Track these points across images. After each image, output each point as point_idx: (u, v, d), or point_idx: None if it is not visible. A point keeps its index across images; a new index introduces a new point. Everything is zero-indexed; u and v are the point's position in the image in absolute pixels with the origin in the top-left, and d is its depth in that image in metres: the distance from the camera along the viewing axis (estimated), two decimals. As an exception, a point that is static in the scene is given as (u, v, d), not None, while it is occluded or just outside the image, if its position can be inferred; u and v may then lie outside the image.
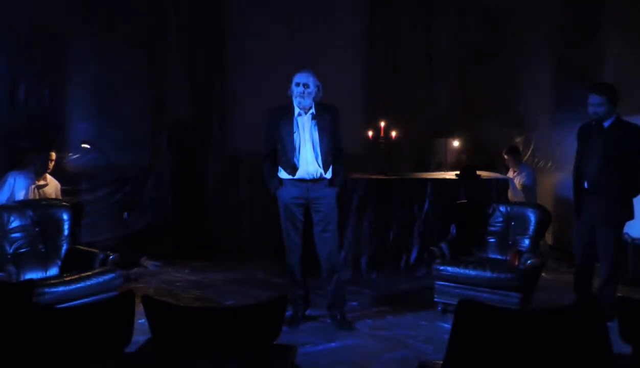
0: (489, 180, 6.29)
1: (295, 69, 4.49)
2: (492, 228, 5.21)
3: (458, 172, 6.43)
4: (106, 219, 6.84)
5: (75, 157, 6.73)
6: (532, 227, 5.03)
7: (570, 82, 6.87)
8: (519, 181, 6.83)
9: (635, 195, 4.58)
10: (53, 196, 5.92)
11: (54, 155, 5.95)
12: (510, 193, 6.31)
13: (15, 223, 4.81)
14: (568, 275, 5.97)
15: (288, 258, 4.64)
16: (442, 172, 7.05)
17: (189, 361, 2.56)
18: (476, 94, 7.81)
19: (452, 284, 4.78)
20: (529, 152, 7.59)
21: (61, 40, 6.65)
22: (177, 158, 7.48)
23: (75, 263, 4.78)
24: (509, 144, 7.27)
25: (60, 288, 4.32)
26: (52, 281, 4.43)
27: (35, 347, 2.45)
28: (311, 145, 4.45)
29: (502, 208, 5.24)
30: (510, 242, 5.09)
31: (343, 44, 7.58)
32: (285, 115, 4.49)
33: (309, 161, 4.45)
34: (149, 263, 6.53)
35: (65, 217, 5.01)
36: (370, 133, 6.79)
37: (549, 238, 6.90)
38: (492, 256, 5.11)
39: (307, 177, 4.47)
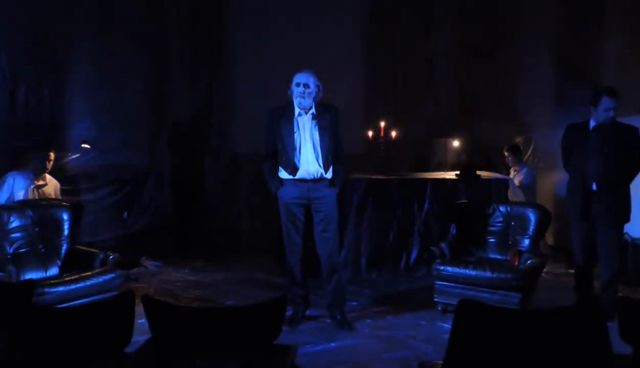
0: (489, 180, 6.29)
1: (296, 69, 4.49)
2: (492, 228, 5.22)
3: (458, 172, 6.43)
4: (106, 219, 6.85)
5: (75, 157, 6.73)
6: (532, 227, 5.03)
7: (570, 82, 6.88)
8: (518, 180, 6.83)
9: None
10: (52, 196, 5.92)
11: (52, 155, 5.94)
12: (510, 193, 6.32)
13: (15, 223, 4.81)
14: (568, 275, 5.98)
15: (288, 258, 4.64)
16: (442, 172, 7.05)
17: (189, 361, 2.56)
18: (476, 94, 7.82)
19: (452, 284, 4.78)
20: (529, 152, 7.59)
21: (61, 40, 6.65)
22: (177, 158, 7.48)
23: (75, 263, 4.78)
24: (509, 144, 7.27)
25: (60, 288, 4.32)
26: (52, 281, 4.43)
27: (35, 347, 2.45)
28: (312, 145, 4.45)
29: (502, 208, 5.24)
30: (510, 242, 5.09)
31: (343, 44, 7.58)
32: (285, 115, 4.49)
33: (310, 161, 4.45)
34: (149, 263, 6.53)
35: (65, 217, 5.01)
36: (370, 133, 6.79)
37: (549, 238, 6.90)
38: (492, 256, 5.11)
39: (307, 177, 4.47)
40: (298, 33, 7.29)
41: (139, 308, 2.54)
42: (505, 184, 6.29)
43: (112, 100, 6.90)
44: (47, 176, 5.95)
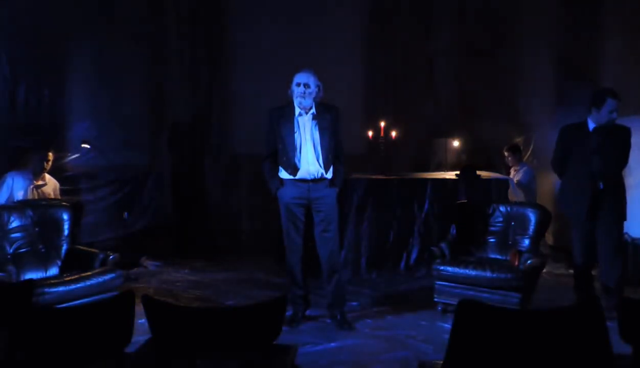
0: (489, 180, 6.29)
1: (296, 69, 4.49)
2: (492, 228, 5.22)
3: (458, 172, 6.43)
4: (106, 219, 6.85)
5: (75, 157, 6.73)
6: (532, 227, 5.03)
7: (570, 82, 6.88)
8: (518, 179, 6.83)
9: None
10: (52, 196, 5.92)
11: (51, 155, 5.94)
12: (510, 193, 6.32)
13: (15, 223, 4.81)
14: (568, 275, 5.98)
15: (288, 258, 4.64)
16: (442, 172, 7.05)
17: (189, 361, 2.56)
18: (476, 93, 7.81)
19: (452, 284, 4.78)
20: (529, 152, 7.59)
21: (61, 40, 6.65)
22: (177, 158, 7.48)
23: (75, 263, 4.78)
24: (509, 144, 7.27)
25: (60, 288, 4.32)
26: (52, 281, 4.43)
27: (35, 347, 2.45)
28: (312, 145, 4.45)
29: (502, 208, 5.24)
30: (510, 242, 5.09)
31: (343, 44, 7.57)
32: (285, 115, 4.49)
33: (310, 161, 4.45)
34: (149, 263, 6.53)
35: (65, 217, 5.01)
36: (370, 133, 6.78)
37: (549, 238, 6.90)
38: (492, 256, 5.11)
39: (308, 177, 4.46)
40: (298, 33, 7.29)
41: (139, 308, 2.54)
42: (505, 183, 6.29)
43: (112, 100, 6.90)
44: (47, 176, 5.96)
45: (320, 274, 4.67)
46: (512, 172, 7.03)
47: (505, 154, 7.09)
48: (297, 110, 4.47)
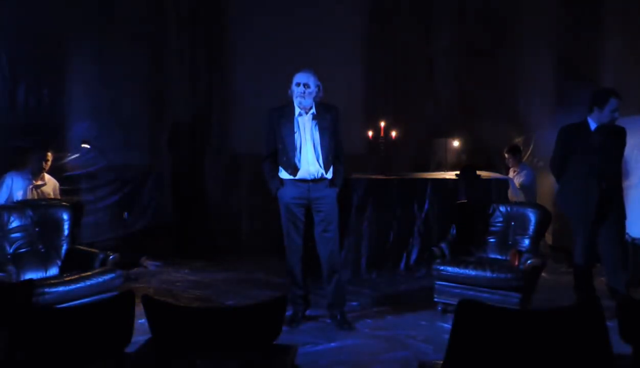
0: (489, 180, 6.29)
1: (296, 69, 4.48)
2: (492, 228, 5.21)
3: (458, 172, 6.43)
4: (106, 219, 6.85)
5: (75, 157, 6.73)
6: (532, 227, 5.03)
7: (570, 82, 6.88)
8: (518, 181, 6.83)
9: None
10: (52, 196, 5.92)
11: (50, 155, 5.94)
12: (510, 193, 6.32)
13: (15, 223, 4.81)
14: (568, 275, 5.97)
15: (288, 258, 4.64)
16: (442, 172, 7.05)
17: (189, 361, 2.56)
18: (476, 93, 7.81)
19: (452, 284, 4.78)
20: (529, 152, 7.59)
21: (61, 40, 6.65)
22: (177, 158, 7.48)
23: (75, 263, 4.78)
24: (509, 144, 7.27)
25: (60, 288, 4.32)
26: (52, 281, 4.42)
27: (35, 347, 2.45)
28: (312, 145, 4.45)
29: (502, 208, 5.24)
30: (510, 242, 5.09)
31: (343, 44, 7.57)
32: (285, 115, 4.49)
33: (310, 161, 4.44)
34: (149, 263, 6.53)
35: (65, 216, 5.01)
36: (370, 133, 6.79)
37: (549, 238, 6.90)
38: (492, 256, 5.11)
39: (308, 177, 4.46)
40: (298, 33, 7.29)
41: (139, 308, 2.54)
42: (505, 184, 6.29)
43: (112, 100, 6.90)
44: (46, 176, 5.95)
45: (320, 274, 4.67)
46: (512, 172, 7.03)
47: (506, 155, 7.08)
48: (297, 110, 4.47)
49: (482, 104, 7.74)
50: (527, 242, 5.00)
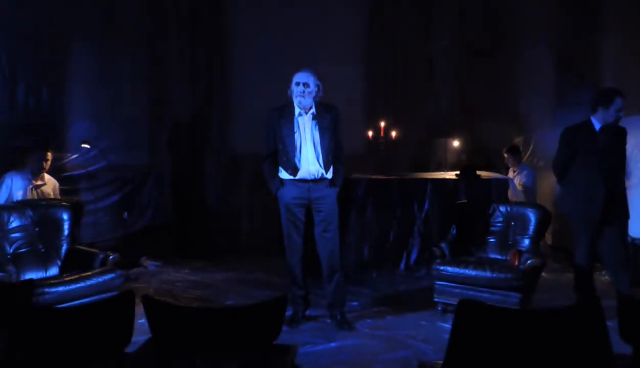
0: (489, 180, 6.29)
1: (295, 69, 4.48)
2: (492, 228, 5.22)
3: (458, 172, 6.43)
4: (106, 219, 6.85)
5: (75, 157, 6.73)
6: (532, 227, 5.03)
7: (570, 82, 6.88)
8: (519, 181, 6.83)
9: None
10: (52, 196, 5.92)
11: (50, 155, 5.94)
12: (510, 193, 6.32)
13: (15, 223, 4.81)
14: (568, 275, 5.97)
15: (289, 258, 4.64)
16: (442, 172, 7.05)
17: (189, 361, 2.56)
18: (476, 93, 7.81)
19: (452, 284, 4.78)
20: (529, 152, 7.59)
21: (61, 40, 6.65)
22: (177, 158, 7.48)
23: (75, 263, 4.78)
24: (509, 144, 7.27)
25: (60, 288, 4.32)
26: (52, 281, 4.43)
27: (35, 347, 2.45)
28: (312, 145, 4.45)
29: (502, 208, 5.24)
30: (510, 242, 5.09)
31: (343, 44, 7.57)
32: (285, 115, 4.48)
33: (310, 161, 4.44)
34: (149, 263, 6.53)
35: (65, 216, 5.01)
36: (370, 133, 6.79)
37: (549, 238, 6.90)
38: (492, 256, 5.11)
39: (308, 177, 4.46)
40: (298, 33, 7.28)
41: (139, 308, 2.54)
42: (505, 184, 6.29)
43: (112, 100, 6.90)
44: (46, 176, 5.95)
45: (320, 274, 4.67)
46: (512, 172, 7.03)
47: (505, 155, 7.08)
48: (297, 110, 4.46)
49: (482, 104, 7.74)
50: (527, 242, 5.00)
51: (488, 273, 4.64)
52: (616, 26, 6.48)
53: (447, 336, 2.35)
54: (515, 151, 7.06)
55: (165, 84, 7.36)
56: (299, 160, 4.44)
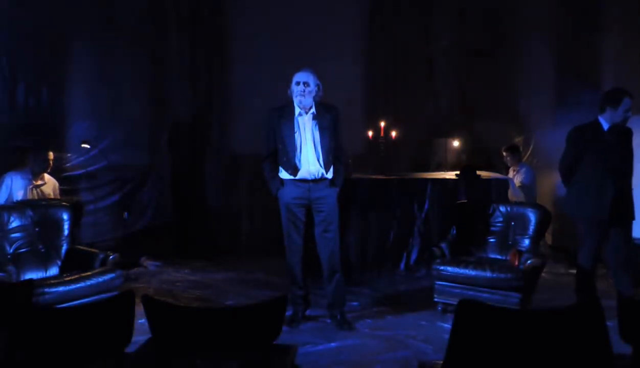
0: (489, 180, 6.29)
1: (295, 69, 4.48)
2: (492, 228, 5.22)
3: (458, 172, 6.43)
4: (106, 219, 6.85)
5: (74, 157, 6.73)
6: (532, 227, 5.03)
7: (570, 82, 6.88)
8: (518, 180, 6.83)
9: None
10: (52, 196, 5.92)
11: (52, 155, 5.94)
12: (510, 193, 6.32)
13: (15, 223, 4.81)
14: (568, 275, 5.98)
15: (289, 258, 4.64)
16: (442, 172, 7.05)
17: (189, 361, 2.56)
18: (476, 93, 7.82)
19: (452, 284, 4.78)
20: (529, 152, 7.60)
21: (61, 40, 6.65)
22: (177, 158, 7.48)
23: (75, 263, 4.78)
24: (509, 144, 7.27)
25: (60, 288, 4.32)
26: (52, 281, 4.42)
27: (35, 347, 2.45)
28: (312, 145, 4.45)
29: (502, 208, 5.24)
30: (510, 242, 5.09)
31: (343, 44, 7.57)
32: (285, 115, 4.48)
33: (311, 161, 4.44)
34: (149, 263, 6.53)
35: (65, 216, 5.01)
36: (370, 133, 6.79)
37: (549, 238, 6.90)
38: (492, 256, 5.12)
39: (308, 177, 4.46)
40: (298, 33, 7.28)
41: (139, 308, 2.54)
42: (505, 184, 6.29)
43: (112, 100, 6.90)
44: (46, 176, 5.95)
45: (320, 274, 4.67)
46: (511, 172, 7.03)
47: (504, 154, 7.08)
48: (297, 110, 4.46)
49: (482, 104, 7.74)
50: (527, 242, 5.00)
51: (488, 273, 4.65)
52: (616, 26, 6.48)
53: (447, 336, 2.35)
54: (514, 150, 7.06)
55: (165, 84, 7.36)
56: (299, 160, 4.44)
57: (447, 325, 4.24)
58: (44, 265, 4.83)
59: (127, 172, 7.03)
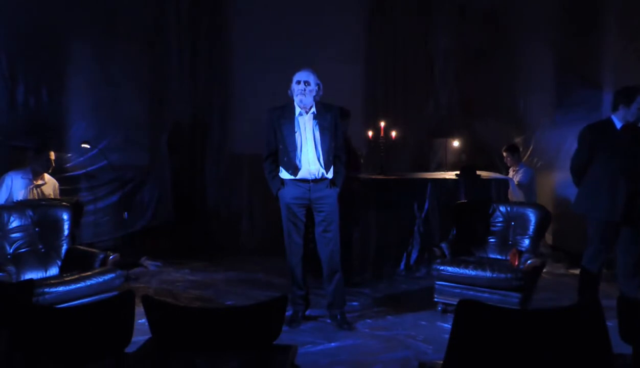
0: (489, 180, 6.29)
1: (296, 69, 4.49)
2: (492, 228, 5.21)
3: (458, 172, 6.43)
4: (106, 219, 6.85)
5: (74, 157, 6.73)
6: (532, 227, 5.03)
7: (570, 82, 6.88)
8: (518, 180, 6.83)
9: None
10: (52, 196, 5.92)
11: (53, 154, 5.95)
12: (510, 193, 6.32)
13: (15, 223, 4.81)
14: (568, 275, 5.99)
15: (289, 258, 4.64)
16: (442, 172, 7.05)
17: (189, 361, 2.56)
18: (476, 94, 7.82)
19: (452, 284, 4.78)
20: (529, 152, 7.60)
21: (61, 40, 6.66)
22: (177, 158, 7.48)
23: (75, 264, 4.78)
24: (508, 144, 7.27)
25: (60, 288, 4.31)
26: (52, 281, 4.42)
27: (35, 346, 2.45)
28: (313, 145, 4.45)
29: (502, 208, 5.24)
30: (510, 242, 5.09)
31: (343, 43, 7.57)
32: (286, 115, 4.48)
33: (311, 161, 4.44)
34: (149, 263, 6.53)
35: (64, 216, 5.01)
36: (370, 133, 6.78)
37: (549, 238, 6.90)
38: (492, 256, 5.12)
39: (308, 177, 4.46)
40: (298, 33, 7.29)
41: (139, 308, 2.54)
42: (505, 184, 6.29)
43: (112, 100, 6.90)
44: (46, 176, 5.95)
45: (320, 274, 4.67)
46: (511, 172, 7.03)
47: (504, 154, 7.08)
48: (298, 110, 4.46)
49: (482, 104, 7.75)
50: (527, 242, 5.00)
51: (488, 273, 4.64)
52: (616, 26, 6.47)
53: (447, 336, 2.35)
54: (514, 150, 7.06)
55: (165, 84, 7.36)
56: (300, 160, 4.44)
57: (447, 325, 4.25)
58: (44, 265, 4.83)
59: (127, 172, 7.03)
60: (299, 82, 4.40)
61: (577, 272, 5.91)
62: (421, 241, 6.14)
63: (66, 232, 4.98)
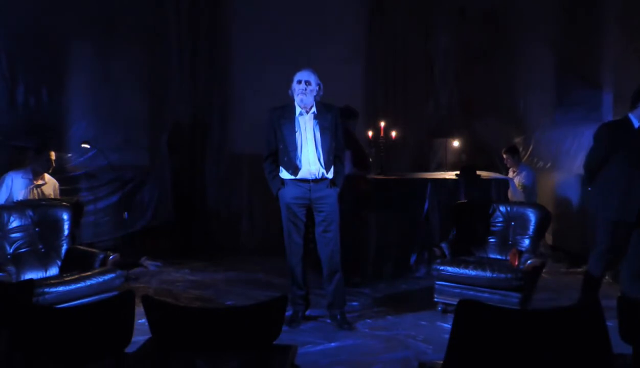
0: (489, 180, 6.29)
1: (296, 69, 4.49)
2: (492, 228, 5.21)
3: (458, 172, 6.43)
4: (106, 219, 6.85)
5: (75, 157, 6.73)
6: (532, 227, 5.03)
7: (570, 82, 6.88)
8: (519, 181, 6.83)
9: None
10: (52, 196, 5.92)
11: (53, 154, 5.95)
12: (510, 193, 6.31)
13: (15, 223, 4.81)
14: (568, 275, 5.99)
15: (289, 258, 4.64)
16: (442, 172, 7.05)
17: (189, 361, 2.56)
18: (476, 94, 7.82)
19: (452, 284, 4.78)
20: (529, 152, 7.60)
21: (61, 40, 6.65)
22: (177, 158, 7.48)
23: (75, 263, 4.78)
24: (508, 144, 7.27)
25: (60, 288, 4.31)
26: (52, 281, 4.42)
27: (35, 346, 2.45)
28: (313, 145, 4.45)
29: (502, 208, 5.24)
30: (510, 242, 5.09)
31: (343, 43, 7.57)
32: (286, 114, 4.48)
33: (311, 161, 4.44)
34: (149, 263, 6.53)
35: (65, 216, 5.01)
36: (370, 133, 6.79)
37: (549, 238, 6.90)
38: (492, 256, 5.11)
39: (309, 177, 4.46)
40: (298, 33, 7.29)
41: (139, 308, 2.54)
42: (505, 184, 6.28)
43: (112, 100, 6.90)
44: (46, 176, 5.95)
45: (320, 274, 4.67)
46: (511, 173, 7.03)
47: (504, 156, 7.07)
48: (298, 110, 4.46)
49: (482, 104, 7.75)
50: (527, 242, 5.00)
51: (488, 273, 4.64)
52: (616, 26, 6.47)
53: (447, 336, 2.35)
54: (514, 151, 7.06)
55: (165, 83, 7.36)
56: (300, 160, 4.44)
57: (447, 325, 4.25)
58: (44, 265, 4.82)
59: (127, 172, 7.03)
60: (299, 82, 4.40)
61: (577, 271, 5.94)
62: (421, 241, 6.14)
63: (66, 232, 4.98)
